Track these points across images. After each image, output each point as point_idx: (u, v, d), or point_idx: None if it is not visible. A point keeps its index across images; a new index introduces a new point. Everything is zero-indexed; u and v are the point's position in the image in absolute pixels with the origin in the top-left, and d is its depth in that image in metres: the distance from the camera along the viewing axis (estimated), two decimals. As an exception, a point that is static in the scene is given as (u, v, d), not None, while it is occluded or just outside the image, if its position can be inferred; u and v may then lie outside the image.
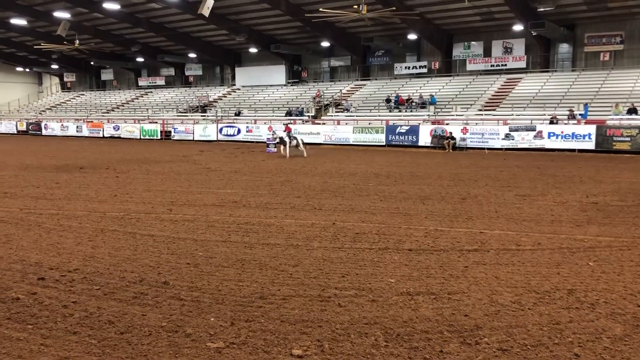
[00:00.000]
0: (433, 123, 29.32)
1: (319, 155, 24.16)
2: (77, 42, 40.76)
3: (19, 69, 53.94)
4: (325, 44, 38.58)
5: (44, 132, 44.65)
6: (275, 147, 25.57)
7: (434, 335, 4.40)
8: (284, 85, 41.89)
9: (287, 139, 22.59)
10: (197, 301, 5.17)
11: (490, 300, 5.16)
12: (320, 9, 29.13)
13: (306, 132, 32.60)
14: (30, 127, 45.82)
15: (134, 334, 4.42)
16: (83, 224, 8.76)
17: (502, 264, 6.40)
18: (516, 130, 26.43)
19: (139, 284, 5.65)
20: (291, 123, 31.33)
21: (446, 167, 18.68)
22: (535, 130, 26.05)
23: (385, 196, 11.64)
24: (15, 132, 46.36)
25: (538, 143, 25.81)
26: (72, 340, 4.29)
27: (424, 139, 28.57)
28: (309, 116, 34.92)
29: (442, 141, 27.67)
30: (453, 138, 27.42)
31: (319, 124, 33.31)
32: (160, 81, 49.28)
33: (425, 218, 9.17)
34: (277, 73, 42.13)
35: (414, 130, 29.06)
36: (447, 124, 28.67)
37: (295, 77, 42.22)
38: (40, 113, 50.04)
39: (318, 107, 36.10)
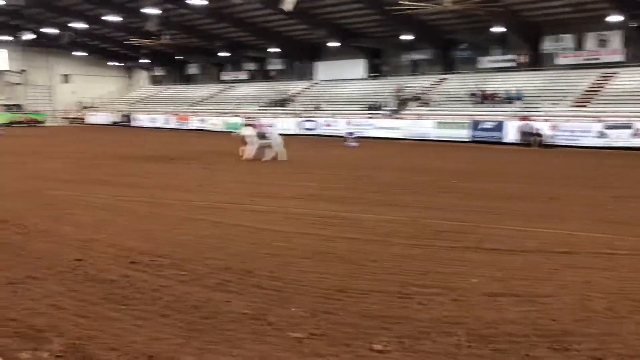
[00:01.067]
0: (519, 119, 28.24)
1: (393, 150, 23.86)
2: (165, 37, 42.57)
3: (112, 63, 57.02)
4: (406, 37, 38.02)
5: (133, 123, 47.06)
6: (354, 141, 25.64)
7: (520, 339, 4.24)
8: (364, 79, 41.73)
9: (255, 139, 17.88)
10: (278, 291, 5.27)
11: (581, 306, 4.91)
12: (402, 2, 28.73)
13: (385, 126, 32.39)
14: (121, 119, 48.48)
15: (218, 319, 4.56)
16: (171, 212, 9.16)
17: (594, 268, 6.06)
18: (611, 127, 24.94)
19: (223, 272, 5.82)
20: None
21: (533, 165, 17.96)
22: (632, 128, 24.46)
23: (468, 194, 11.35)
24: (108, 124, 49.19)
25: (636, 142, 24.19)
26: (161, 322, 4.49)
27: (510, 135, 27.58)
28: (388, 111, 34.64)
29: (528, 138, 26.62)
30: (540, 135, 26.30)
31: (399, 118, 32.97)
32: (242, 75, 50.47)
33: (509, 217, 8.85)
34: (357, 67, 41.99)
35: (499, 126, 28.13)
36: (534, 120, 27.52)
37: (375, 71, 41.95)
38: (130, 105, 52.72)
39: (398, 102, 35.73)
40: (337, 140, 29.03)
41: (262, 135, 18.22)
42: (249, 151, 17.73)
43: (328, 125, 34.61)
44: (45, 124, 47.64)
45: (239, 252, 6.62)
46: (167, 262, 6.17)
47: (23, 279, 5.52)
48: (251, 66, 50.11)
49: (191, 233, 7.61)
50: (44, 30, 44.36)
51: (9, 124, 41.51)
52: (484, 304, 4.97)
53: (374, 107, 35.35)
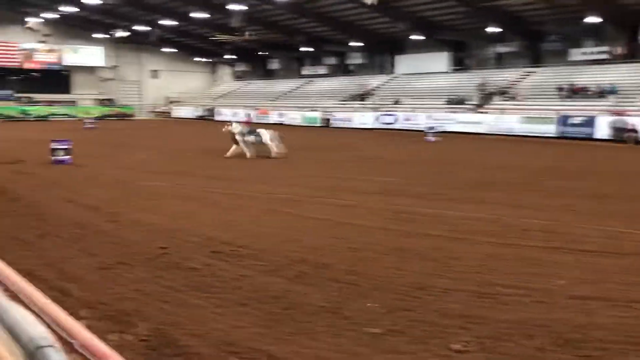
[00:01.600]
0: (613, 114, 26.57)
1: (475, 146, 23.16)
2: (248, 33, 43.54)
3: (197, 59, 59.08)
4: (491, 29, 36.74)
5: (216, 117, 48.57)
6: (435, 136, 25.17)
7: (611, 346, 3.98)
8: (446, 72, 40.76)
9: (240, 137, 16.73)
10: (356, 285, 5.23)
11: (683, 315, 4.54)
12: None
13: (468, 121, 31.52)
14: (205, 113, 50.32)
15: (297, 310, 4.59)
16: (252, 203, 9.36)
17: (698, 275, 5.59)
18: None
19: (301, 264, 5.86)
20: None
21: (627, 163, 16.86)
22: None
23: (556, 192, 10.80)
24: (192, 117, 51.15)
25: None
26: (241, 312, 4.58)
27: (601, 131, 26.01)
28: (471, 105, 33.68)
29: (622, 134, 25.00)
30: (636, 131, 24.62)
31: (482, 112, 31.97)
32: (322, 70, 50.73)
33: (602, 218, 8.32)
34: (439, 60, 41.06)
35: (589, 122, 26.61)
36: (629, 116, 25.79)
37: (458, 64, 40.85)
38: (213, 100, 54.44)
39: (482, 96, 34.64)
40: (417, 134, 28.55)
41: (252, 132, 17.19)
42: (236, 148, 16.69)
43: (408, 119, 34.12)
44: (134, 118, 50.26)
45: (317, 245, 6.65)
46: (247, 252, 6.30)
47: (113, 264, 5.82)
48: (331, 60, 50.25)
49: (271, 225, 7.74)
50: (136, 27, 46.69)
51: (102, 117, 44.15)
52: (572, 307, 4.70)
53: (456, 101, 34.48)
